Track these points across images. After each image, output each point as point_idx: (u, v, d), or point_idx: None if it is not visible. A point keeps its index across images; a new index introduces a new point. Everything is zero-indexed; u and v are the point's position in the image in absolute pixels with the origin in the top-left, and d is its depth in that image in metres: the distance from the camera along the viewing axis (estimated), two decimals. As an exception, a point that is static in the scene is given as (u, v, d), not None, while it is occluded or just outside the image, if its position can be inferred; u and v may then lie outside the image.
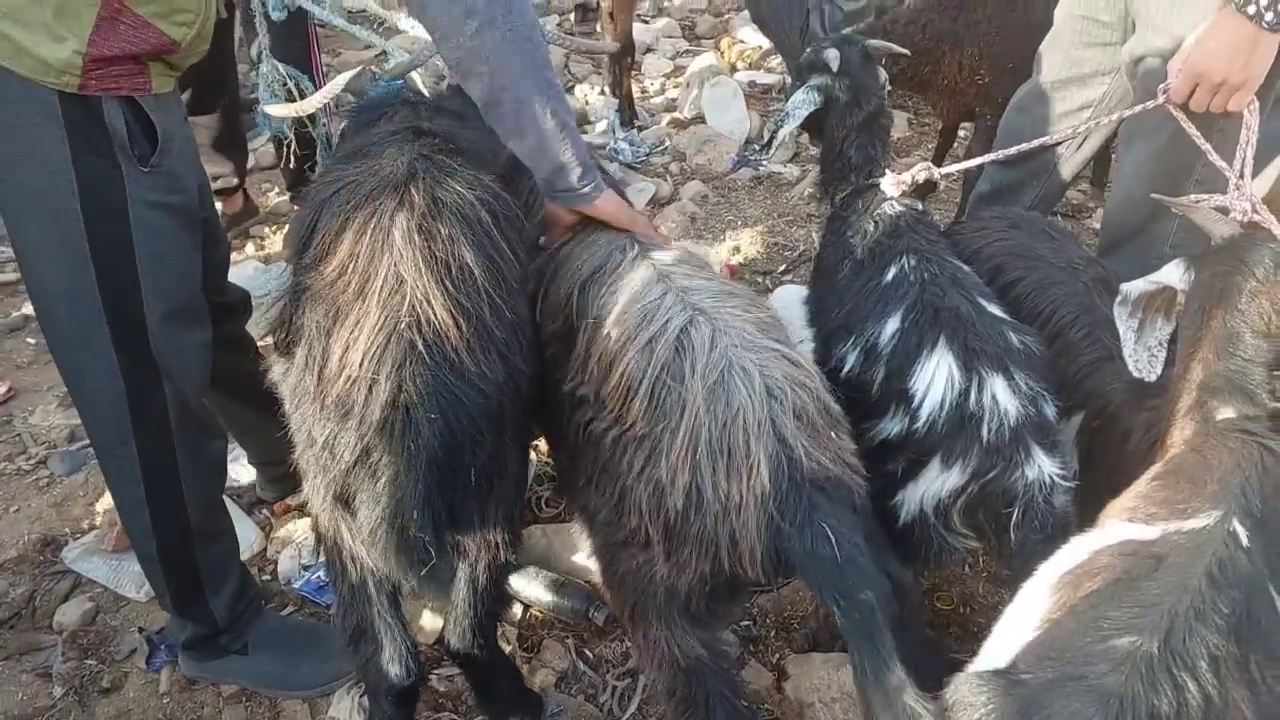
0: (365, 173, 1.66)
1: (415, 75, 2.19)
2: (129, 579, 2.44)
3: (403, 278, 1.52)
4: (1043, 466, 1.68)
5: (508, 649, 2.21)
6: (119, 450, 1.88)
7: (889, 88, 2.24)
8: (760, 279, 3.60)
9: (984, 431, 1.68)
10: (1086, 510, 1.96)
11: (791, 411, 1.51)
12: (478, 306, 1.57)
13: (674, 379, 1.53)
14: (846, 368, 1.90)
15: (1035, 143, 2.23)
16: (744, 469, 1.45)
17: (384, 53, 2.29)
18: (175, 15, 1.68)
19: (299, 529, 2.59)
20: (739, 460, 1.46)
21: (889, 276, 1.90)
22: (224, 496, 2.16)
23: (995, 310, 1.83)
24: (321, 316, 1.56)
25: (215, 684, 2.21)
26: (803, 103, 2.17)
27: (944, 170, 2.16)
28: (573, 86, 4.95)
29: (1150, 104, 2.03)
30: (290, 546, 2.54)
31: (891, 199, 2.05)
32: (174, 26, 1.68)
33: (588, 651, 2.27)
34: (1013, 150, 2.21)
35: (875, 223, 2.02)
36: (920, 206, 2.10)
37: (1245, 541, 1.23)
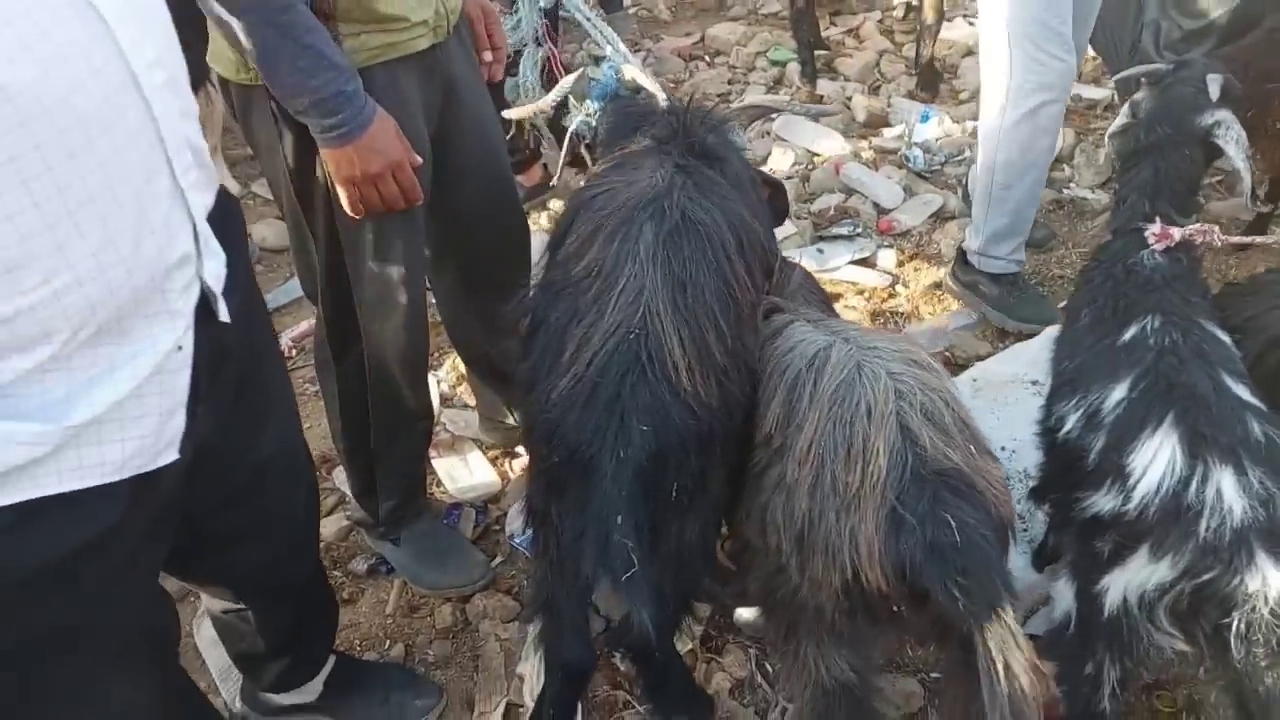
0: (625, 181, 1.73)
1: (636, 72, 2.23)
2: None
3: (641, 289, 1.59)
4: (1269, 578, 1.45)
5: (689, 645, 2.26)
6: None
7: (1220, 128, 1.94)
8: (1036, 310, 3.34)
9: (1201, 527, 1.49)
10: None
11: (919, 409, 1.47)
12: (703, 329, 1.61)
13: (805, 386, 1.56)
14: (1065, 429, 1.75)
15: None
16: (861, 456, 1.43)
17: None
18: None
19: (530, 487, 2.78)
20: (857, 449, 1.44)
21: (1127, 336, 1.72)
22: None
23: (1242, 392, 1.60)
24: (560, 313, 1.65)
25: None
26: (1122, 113, 2.06)
27: (1230, 240, 1.90)
28: (878, 87, 4.83)
29: None
30: (520, 502, 2.73)
31: (1152, 248, 1.84)
32: None
33: (768, 665, 2.26)
34: None
35: (1127, 271, 1.83)
36: (1188, 259, 1.86)
37: None
